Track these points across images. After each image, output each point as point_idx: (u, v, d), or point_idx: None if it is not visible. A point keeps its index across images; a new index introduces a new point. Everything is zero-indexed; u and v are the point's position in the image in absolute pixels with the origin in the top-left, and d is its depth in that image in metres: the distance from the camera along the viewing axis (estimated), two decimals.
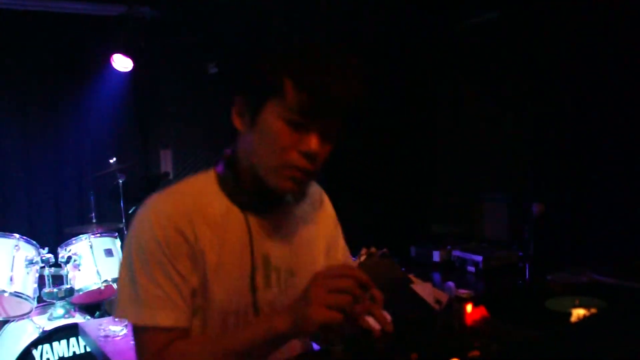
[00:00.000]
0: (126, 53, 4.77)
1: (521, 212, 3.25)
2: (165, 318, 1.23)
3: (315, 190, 1.53)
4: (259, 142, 1.25)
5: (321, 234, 1.50)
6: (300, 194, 1.40)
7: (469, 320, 1.34)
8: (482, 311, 1.36)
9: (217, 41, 5.04)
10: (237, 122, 1.30)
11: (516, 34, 3.71)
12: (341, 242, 1.59)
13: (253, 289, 1.32)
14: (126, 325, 2.91)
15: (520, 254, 3.14)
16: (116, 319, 1.29)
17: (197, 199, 1.31)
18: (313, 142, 1.20)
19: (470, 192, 4.06)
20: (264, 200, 1.33)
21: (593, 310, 1.22)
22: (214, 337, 1.28)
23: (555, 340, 0.91)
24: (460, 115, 4.05)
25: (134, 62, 4.83)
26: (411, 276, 2.71)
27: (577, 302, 1.33)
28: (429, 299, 2.63)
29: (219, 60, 4.60)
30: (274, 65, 1.21)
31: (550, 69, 3.49)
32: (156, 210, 1.29)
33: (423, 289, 2.63)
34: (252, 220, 1.33)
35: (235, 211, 1.32)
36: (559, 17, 3.40)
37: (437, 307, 2.33)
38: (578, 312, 1.23)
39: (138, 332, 1.26)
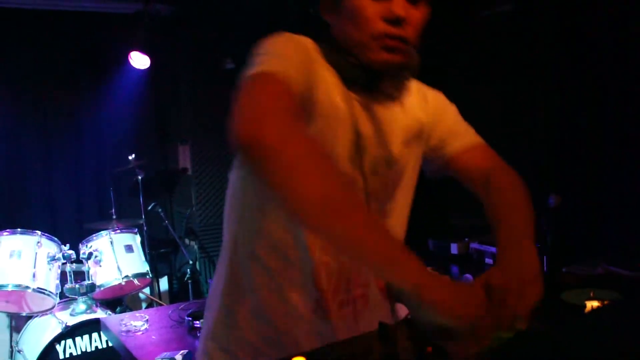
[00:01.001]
0: (143, 50, 4.80)
1: (538, 203, 3.23)
2: (290, 71, 1.13)
3: (419, 87, 1.47)
4: (346, 23, 1.25)
5: (419, 120, 1.42)
6: (401, 66, 1.28)
7: None
8: None
9: (232, 36, 5.06)
10: (325, 13, 1.30)
11: (531, 25, 3.68)
12: (454, 121, 1.50)
13: (355, 166, 1.27)
14: (147, 320, 2.96)
15: (538, 245, 3.12)
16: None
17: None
18: (396, 5, 1.19)
19: None
20: (368, 77, 1.28)
21: (607, 303, 1.22)
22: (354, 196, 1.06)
23: (565, 332, 0.92)
24: (475, 107, 4.03)
25: (151, 59, 4.86)
26: (429, 270, 2.73)
27: (591, 294, 1.33)
28: None
29: None
30: None
31: (566, 60, 3.46)
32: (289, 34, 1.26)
33: None
34: (356, 98, 1.29)
35: (342, 86, 1.28)
36: (575, 8, 3.37)
37: None
38: (592, 304, 1.23)
39: (259, 79, 1.12)
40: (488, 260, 3.55)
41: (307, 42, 1.27)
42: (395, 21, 1.19)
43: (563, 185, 3.39)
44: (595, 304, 1.22)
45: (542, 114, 3.61)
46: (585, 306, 1.23)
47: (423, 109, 1.44)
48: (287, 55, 1.18)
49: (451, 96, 1.48)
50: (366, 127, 1.29)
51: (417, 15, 1.23)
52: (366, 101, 1.30)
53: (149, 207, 4.70)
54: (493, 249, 3.46)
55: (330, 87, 1.25)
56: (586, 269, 1.63)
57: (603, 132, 3.26)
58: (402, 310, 1.33)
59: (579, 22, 3.35)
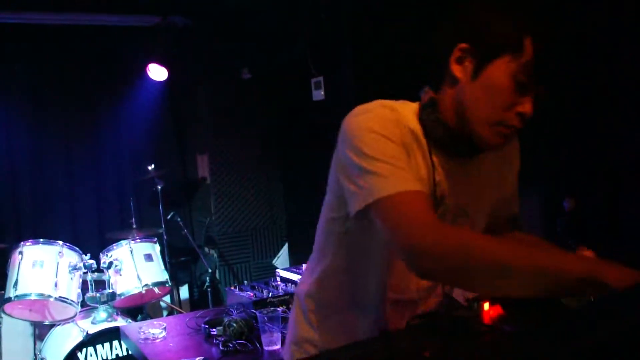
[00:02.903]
0: (161, 62, 4.88)
1: (554, 206, 3.22)
2: (418, 185, 1.23)
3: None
4: (480, 95, 1.26)
5: (498, 182, 1.53)
6: (502, 146, 1.37)
7: (485, 319, 1.36)
8: (498, 309, 1.38)
9: (248, 46, 5.12)
10: (456, 70, 1.29)
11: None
12: (511, 183, 1.62)
13: None
14: (165, 328, 3.00)
15: None
16: (355, 212, 1.24)
17: (402, 118, 1.32)
18: (530, 105, 1.23)
19: None
20: (458, 145, 1.34)
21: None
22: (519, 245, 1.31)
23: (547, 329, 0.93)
24: None
25: (169, 70, 4.93)
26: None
27: (592, 298, 1.34)
28: (459, 297, 2.65)
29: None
30: (517, 21, 1.21)
31: (584, 62, 3.44)
32: (373, 108, 1.31)
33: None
34: (438, 159, 1.35)
35: (425, 147, 1.33)
36: (590, 11, 3.36)
37: (466, 304, 2.33)
38: None
39: (396, 200, 1.19)
40: None
41: (393, 119, 1.30)
42: (524, 118, 1.25)
43: (578, 189, 3.38)
44: None
45: (558, 117, 3.60)
46: None
47: (502, 174, 1.55)
48: (398, 158, 1.24)
49: None
50: (443, 187, 1.36)
51: None
52: (449, 162, 1.37)
53: (169, 217, 4.77)
54: None
55: (415, 153, 1.32)
56: None
57: (619, 136, 3.25)
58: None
59: (595, 23, 3.34)
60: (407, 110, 1.36)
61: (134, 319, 4.13)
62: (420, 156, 1.33)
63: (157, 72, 4.92)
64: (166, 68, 4.92)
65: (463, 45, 1.27)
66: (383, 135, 1.25)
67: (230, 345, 2.68)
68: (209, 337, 2.87)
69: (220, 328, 2.85)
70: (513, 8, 1.24)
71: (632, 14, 3.12)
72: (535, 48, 1.19)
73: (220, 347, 2.71)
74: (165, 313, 5.03)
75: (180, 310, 4.80)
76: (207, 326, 2.92)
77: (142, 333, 2.94)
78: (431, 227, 1.16)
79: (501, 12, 1.24)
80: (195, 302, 5.53)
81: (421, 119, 1.35)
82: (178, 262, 5.20)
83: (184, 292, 5.47)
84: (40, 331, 4.06)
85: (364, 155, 1.23)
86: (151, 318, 4.28)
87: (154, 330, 2.97)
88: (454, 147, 1.34)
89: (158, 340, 2.90)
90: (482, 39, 1.24)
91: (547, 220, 3.56)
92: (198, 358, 2.60)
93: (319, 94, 4.55)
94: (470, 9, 1.28)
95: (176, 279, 5.09)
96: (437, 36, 1.34)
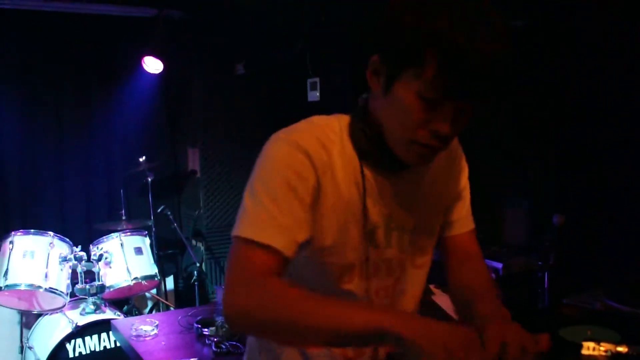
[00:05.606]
0: (157, 55, 4.86)
1: (542, 220, 3.27)
2: (279, 241, 1.13)
3: (449, 154, 1.41)
4: (390, 112, 1.16)
5: (445, 189, 1.42)
6: (426, 165, 1.28)
7: None
8: None
9: (244, 42, 5.13)
10: (372, 82, 1.20)
11: (543, 43, 3.71)
12: (464, 201, 1.49)
13: (366, 245, 1.27)
14: (157, 326, 3.03)
15: (540, 263, 3.17)
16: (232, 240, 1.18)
17: (327, 135, 1.24)
18: (445, 125, 1.10)
19: (491, 196, 4.06)
20: (388, 160, 1.23)
21: (603, 344, 1.29)
22: (317, 297, 1.10)
23: None
24: (482, 125, 4.05)
25: (165, 63, 4.92)
26: (432, 287, 2.79)
27: (589, 332, 1.40)
28: (449, 310, 2.70)
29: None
30: (418, 30, 1.04)
31: (578, 78, 3.47)
32: (289, 135, 1.24)
33: (443, 299, 2.71)
34: (371, 173, 1.25)
35: (356, 161, 1.25)
36: (589, 26, 3.39)
37: (456, 317, 2.39)
38: (588, 345, 1.30)
39: (245, 246, 1.15)
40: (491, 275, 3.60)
41: (305, 147, 1.20)
42: (440, 137, 1.12)
43: (569, 204, 3.44)
44: (591, 344, 1.29)
45: (551, 132, 3.65)
46: (582, 346, 1.30)
47: (448, 183, 1.44)
48: (283, 201, 1.17)
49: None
50: (383, 204, 1.29)
51: (458, 127, 1.14)
52: (385, 179, 1.28)
53: (158, 210, 4.77)
54: (495, 264, 3.50)
55: (338, 173, 1.23)
56: (586, 302, 1.69)
57: (612, 153, 3.29)
58: None
59: (592, 40, 3.37)
60: (340, 123, 1.28)
61: (120, 309, 4.16)
62: (346, 172, 1.24)
63: (152, 65, 4.90)
64: (162, 61, 4.90)
65: (375, 58, 1.17)
66: (282, 168, 1.20)
67: (223, 346, 2.71)
68: (201, 336, 2.90)
69: (212, 328, 2.87)
70: (418, 14, 1.06)
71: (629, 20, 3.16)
72: (442, 60, 1.03)
73: (213, 348, 2.74)
74: (150, 304, 5.06)
75: (165, 302, 4.83)
76: (199, 326, 2.94)
77: (134, 329, 2.96)
78: (241, 289, 1.12)
79: (403, 19, 1.08)
80: (180, 294, 5.56)
81: (350, 131, 1.26)
82: (165, 254, 5.21)
83: (169, 283, 5.49)
84: (27, 319, 4.08)
85: (252, 186, 1.21)
86: (137, 309, 4.32)
87: (146, 327, 2.99)
88: (382, 160, 1.25)
89: (149, 338, 2.92)
90: (387, 53, 1.14)
91: (534, 234, 3.62)
92: None
93: (314, 95, 4.57)
94: (385, 15, 1.13)
95: (163, 270, 5.11)
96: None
